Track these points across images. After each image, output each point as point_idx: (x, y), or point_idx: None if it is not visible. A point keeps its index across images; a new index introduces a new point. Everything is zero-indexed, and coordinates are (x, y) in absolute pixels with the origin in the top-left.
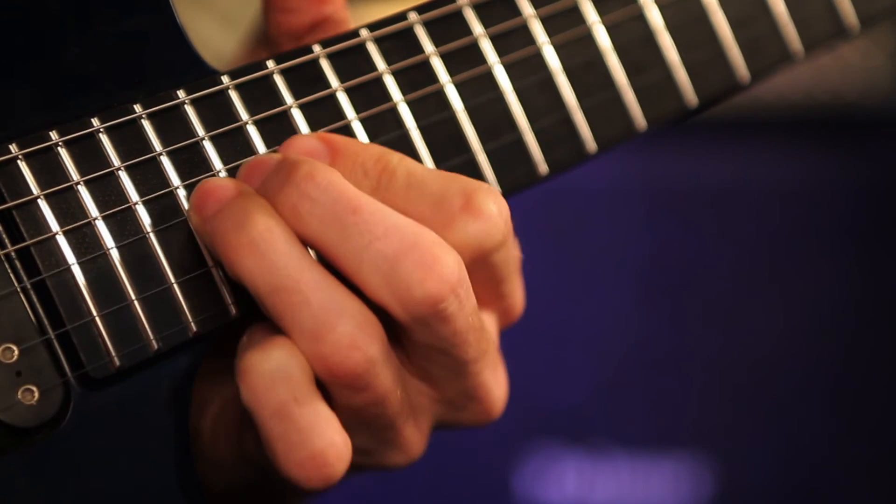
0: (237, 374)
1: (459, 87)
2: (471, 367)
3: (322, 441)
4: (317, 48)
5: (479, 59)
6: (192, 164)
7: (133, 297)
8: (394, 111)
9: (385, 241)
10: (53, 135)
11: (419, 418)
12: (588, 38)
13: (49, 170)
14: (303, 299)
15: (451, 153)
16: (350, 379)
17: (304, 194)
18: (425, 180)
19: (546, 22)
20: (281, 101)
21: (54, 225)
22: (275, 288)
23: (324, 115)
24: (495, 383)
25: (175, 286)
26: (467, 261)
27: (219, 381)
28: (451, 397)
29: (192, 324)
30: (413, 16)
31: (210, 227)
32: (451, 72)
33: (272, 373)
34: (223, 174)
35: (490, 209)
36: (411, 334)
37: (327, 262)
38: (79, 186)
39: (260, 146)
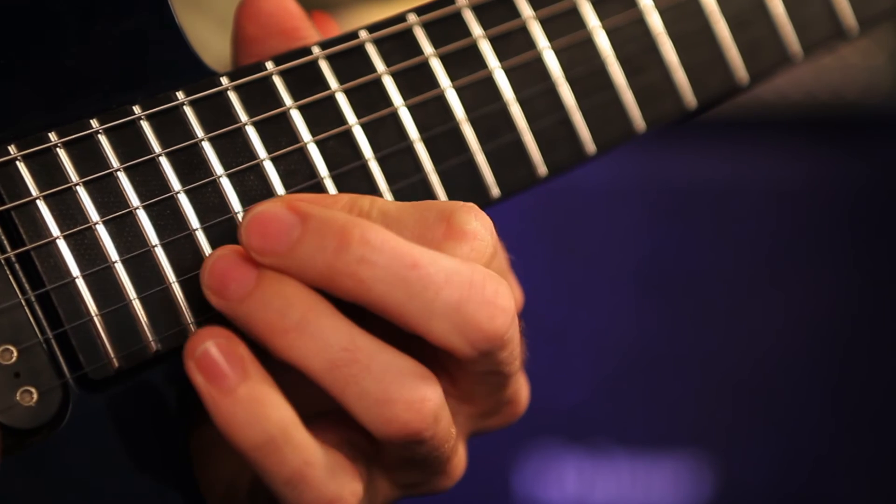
0: (240, 455)
1: (459, 89)
2: (512, 378)
3: (336, 488)
4: (316, 49)
5: (479, 60)
6: (192, 166)
7: (132, 296)
8: (394, 114)
9: (448, 288)
10: (52, 136)
11: (461, 440)
12: (587, 41)
13: (48, 171)
14: (362, 368)
15: (449, 154)
16: (419, 435)
17: (364, 260)
18: (401, 216)
19: (545, 24)
20: (280, 103)
21: (53, 227)
22: (332, 365)
23: (323, 116)
24: (523, 383)
25: (174, 286)
26: None
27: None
28: (488, 409)
29: (192, 325)
30: (412, 17)
31: (243, 314)
32: (451, 74)
33: (275, 443)
34: (224, 180)
35: (473, 227)
36: (469, 366)
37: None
38: (78, 188)
39: (259, 147)
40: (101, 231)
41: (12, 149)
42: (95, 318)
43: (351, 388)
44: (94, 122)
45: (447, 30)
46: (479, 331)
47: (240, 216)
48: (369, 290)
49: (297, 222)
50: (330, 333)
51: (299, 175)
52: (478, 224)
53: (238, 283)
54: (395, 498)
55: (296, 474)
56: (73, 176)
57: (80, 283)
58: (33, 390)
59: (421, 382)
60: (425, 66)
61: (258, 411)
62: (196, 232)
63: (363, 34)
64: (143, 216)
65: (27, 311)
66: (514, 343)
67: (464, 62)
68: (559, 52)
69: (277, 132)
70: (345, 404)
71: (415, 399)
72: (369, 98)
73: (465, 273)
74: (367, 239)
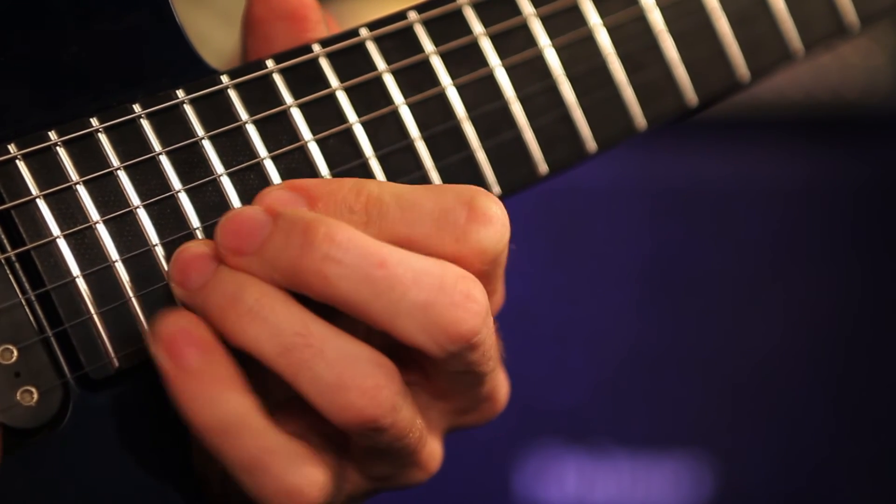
0: (198, 438)
1: (460, 87)
2: (488, 377)
3: (297, 477)
4: (316, 47)
5: (479, 58)
6: (192, 164)
7: (132, 295)
8: (394, 112)
9: (416, 288)
10: (52, 135)
11: (434, 434)
12: (588, 38)
13: (48, 170)
14: (315, 353)
15: (450, 152)
16: (376, 423)
17: (328, 257)
18: (417, 199)
19: (546, 21)
20: (280, 101)
21: (54, 226)
22: (284, 349)
23: (323, 114)
24: (502, 381)
25: None
26: (485, 268)
27: None
28: (464, 406)
29: None
30: (413, 15)
31: (200, 301)
32: (451, 72)
33: (232, 427)
34: (224, 178)
35: (495, 212)
36: (439, 365)
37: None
38: (78, 186)
39: (259, 146)
40: (102, 230)
41: (12, 147)
42: (96, 318)
43: (304, 373)
44: (94, 121)
45: (448, 27)
46: (447, 333)
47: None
48: (334, 288)
49: (268, 222)
50: (282, 318)
51: (300, 173)
52: (498, 209)
53: (198, 273)
54: (369, 490)
55: (254, 461)
56: (73, 175)
57: (81, 283)
58: (34, 390)
59: (376, 369)
60: (426, 64)
61: (216, 393)
62: (196, 231)
63: (363, 32)
64: (143, 215)
65: (27, 310)
66: (486, 345)
67: (464, 60)
68: (560, 50)
69: (278, 130)
70: (299, 390)
71: (369, 386)
72: (370, 96)
73: (436, 273)
74: (332, 236)
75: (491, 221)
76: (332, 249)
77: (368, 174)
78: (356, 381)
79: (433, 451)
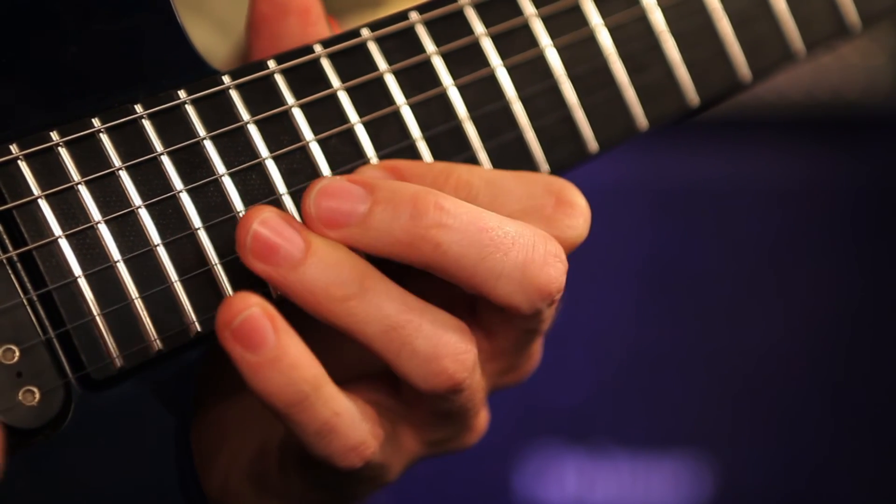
0: (273, 413)
1: (461, 88)
2: (541, 338)
3: (361, 433)
4: (318, 48)
5: (481, 58)
6: (193, 165)
7: (134, 296)
8: (396, 112)
9: (515, 249)
10: (54, 135)
11: (484, 396)
12: (590, 38)
13: (50, 170)
14: (415, 328)
15: (451, 152)
16: (461, 384)
17: (441, 224)
18: (507, 184)
19: (547, 21)
20: (282, 101)
21: (55, 226)
22: (388, 328)
23: (325, 115)
24: (540, 345)
25: (176, 285)
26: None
27: (222, 432)
28: (510, 365)
29: (195, 324)
30: (414, 15)
31: (296, 282)
32: (453, 72)
33: (308, 398)
34: (226, 179)
35: (582, 202)
36: (519, 322)
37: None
38: (79, 187)
39: (261, 146)
40: (103, 230)
41: (14, 148)
42: (97, 318)
43: (406, 349)
44: (96, 122)
45: (449, 28)
46: (539, 289)
47: (242, 216)
48: (445, 254)
49: (365, 194)
50: (386, 298)
51: (302, 174)
52: (584, 201)
53: (288, 250)
54: (421, 456)
55: (326, 425)
56: (75, 175)
57: (82, 283)
58: (35, 390)
59: (463, 336)
60: (427, 65)
61: (293, 373)
62: (198, 231)
63: (365, 32)
64: (144, 215)
65: (29, 310)
66: (558, 302)
67: (466, 60)
68: (561, 50)
69: (279, 131)
70: (396, 364)
71: (459, 351)
72: (371, 96)
73: (529, 235)
74: (442, 205)
75: (577, 211)
76: (444, 217)
77: None
78: (449, 349)
79: (484, 414)
